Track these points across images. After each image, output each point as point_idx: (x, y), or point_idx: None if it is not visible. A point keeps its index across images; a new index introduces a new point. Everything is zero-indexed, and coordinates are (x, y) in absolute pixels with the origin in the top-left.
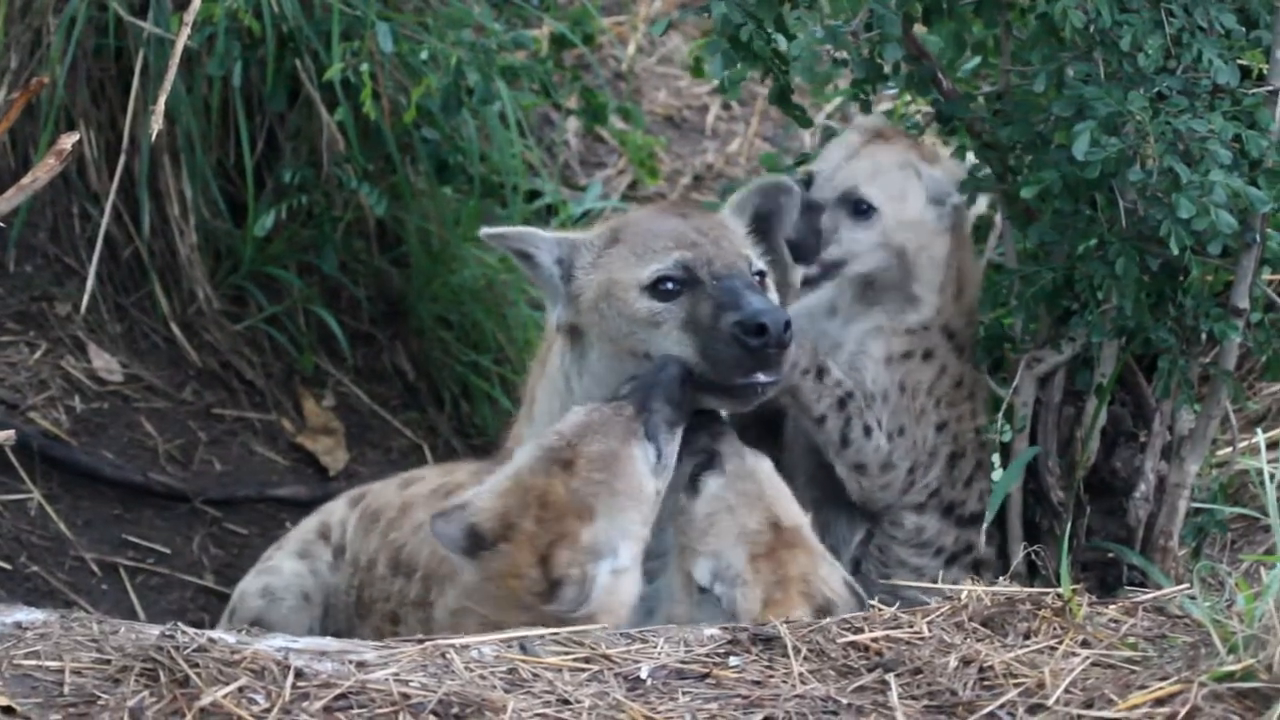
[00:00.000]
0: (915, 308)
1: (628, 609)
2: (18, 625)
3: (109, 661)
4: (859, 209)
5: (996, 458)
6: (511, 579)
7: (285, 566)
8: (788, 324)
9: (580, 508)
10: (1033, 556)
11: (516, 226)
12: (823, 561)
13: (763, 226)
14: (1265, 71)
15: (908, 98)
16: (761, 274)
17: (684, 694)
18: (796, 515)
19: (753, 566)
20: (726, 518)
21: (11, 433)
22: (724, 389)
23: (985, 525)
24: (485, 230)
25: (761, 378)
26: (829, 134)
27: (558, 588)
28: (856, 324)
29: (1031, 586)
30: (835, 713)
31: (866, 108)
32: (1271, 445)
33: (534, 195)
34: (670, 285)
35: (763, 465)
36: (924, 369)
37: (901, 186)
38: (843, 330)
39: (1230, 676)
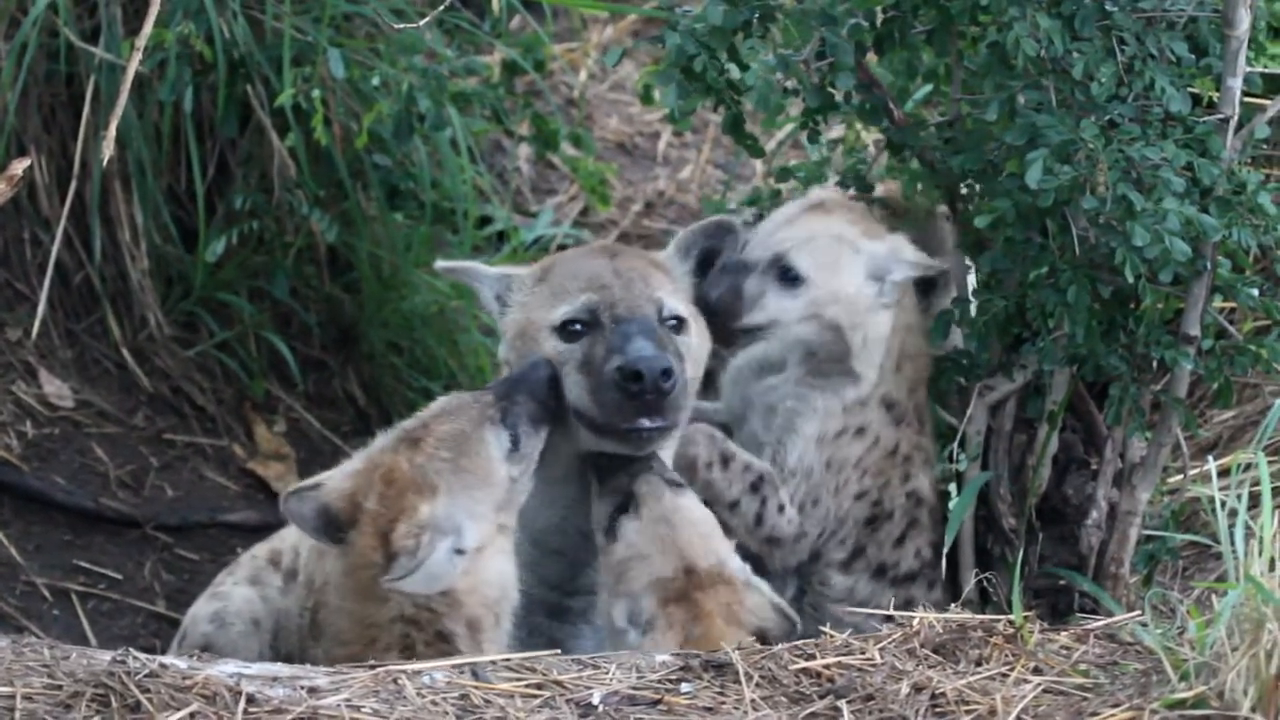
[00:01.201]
0: (855, 384)
1: (502, 596)
2: None
3: (60, 687)
4: (786, 276)
5: (954, 487)
6: (362, 570)
7: (235, 593)
8: (666, 371)
9: (421, 484)
10: (984, 583)
11: (465, 261)
12: (748, 591)
13: (708, 267)
14: (1216, 99)
15: (859, 126)
16: (678, 319)
17: None
18: (716, 552)
19: (665, 612)
20: (639, 564)
21: None
22: (614, 432)
23: (944, 550)
24: (439, 264)
25: (646, 423)
26: (782, 174)
27: (393, 560)
28: (794, 394)
29: (983, 613)
30: None
31: (815, 137)
32: (1223, 473)
33: (485, 221)
34: (576, 327)
35: (683, 502)
36: (854, 445)
37: (835, 258)
38: (779, 394)
39: (1182, 704)
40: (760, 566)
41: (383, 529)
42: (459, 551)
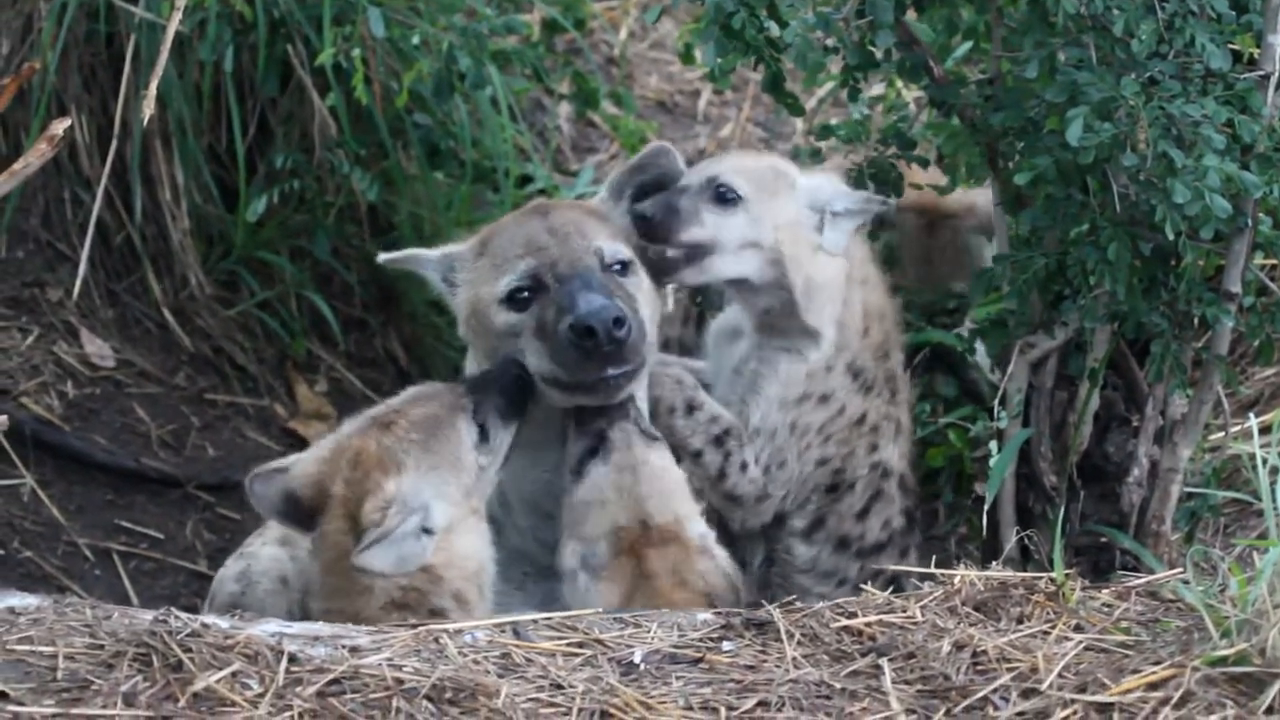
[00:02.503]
0: (815, 343)
1: (480, 569)
2: (11, 610)
3: (102, 647)
4: (722, 196)
5: (994, 444)
6: (338, 563)
7: (263, 552)
8: (619, 320)
9: (388, 462)
10: (1025, 541)
11: (406, 250)
12: (701, 556)
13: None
14: (1256, 56)
15: (899, 84)
16: (623, 263)
17: (677, 679)
18: (677, 509)
19: (616, 562)
20: (599, 510)
21: (4, 418)
22: (581, 386)
23: (986, 508)
24: (380, 257)
25: (611, 371)
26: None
27: (361, 537)
28: (756, 356)
29: (1024, 571)
30: (829, 697)
31: (855, 95)
32: (1264, 430)
33: (526, 180)
34: (523, 295)
35: (652, 456)
36: (818, 411)
37: (772, 184)
38: (745, 359)
39: (1223, 661)
40: (727, 530)
41: (350, 510)
42: (427, 531)
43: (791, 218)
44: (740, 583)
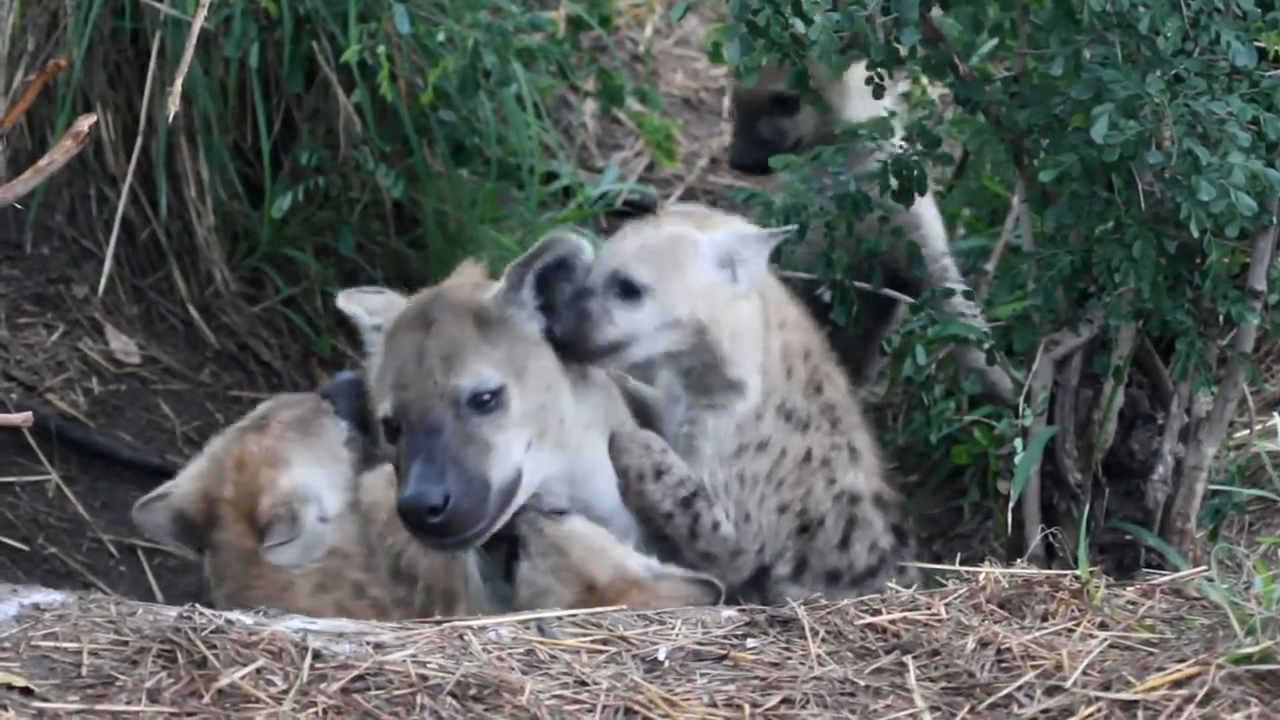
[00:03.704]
0: (741, 394)
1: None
2: (36, 607)
3: (127, 643)
4: (627, 290)
5: (1019, 442)
6: (249, 568)
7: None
8: (433, 509)
9: (274, 459)
10: (1050, 538)
11: (353, 307)
12: (659, 583)
13: (553, 282)
14: None
15: (924, 81)
16: (491, 393)
17: (701, 675)
18: (613, 560)
19: None
20: (545, 598)
21: (29, 415)
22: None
23: (1011, 505)
24: (340, 300)
25: (445, 542)
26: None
27: (268, 531)
28: (689, 416)
29: (1049, 569)
30: (853, 694)
31: (880, 92)
32: None
33: (551, 177)
34: (393, 427)
35: (564, 530)
36: (760, 459)
37: (675, 258)
38: (681, 422)
39: (1248, 659)
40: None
41: (246, 512)
42: (323, 519)
43: (703, 283)
44: (708, 577)
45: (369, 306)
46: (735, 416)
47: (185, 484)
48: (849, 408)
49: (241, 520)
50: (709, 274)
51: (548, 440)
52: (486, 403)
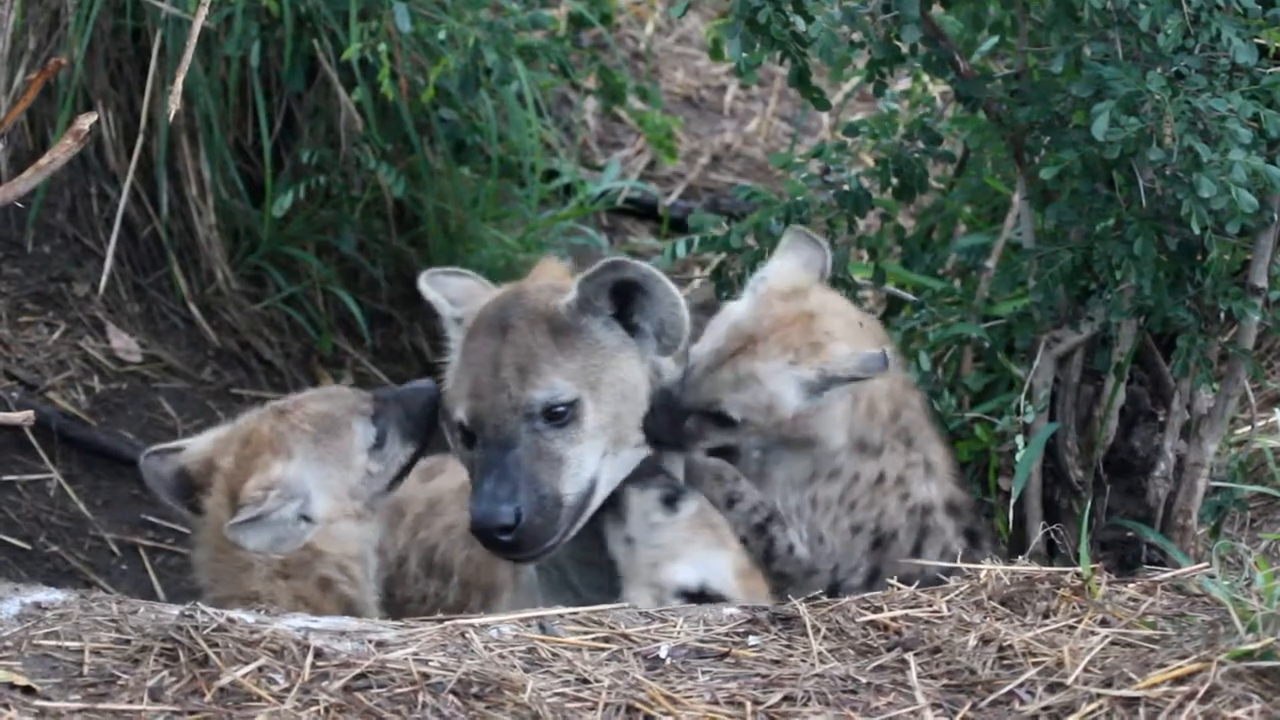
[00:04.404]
0: (825, 447)
1: (361, 554)
2: (37, 605)
3: (128, 641)
4: (722, 420)
5: (1020, 439)
6: (219, 537)
7: None
8: (504, 528)
9: (278, 445)
10: (1052, 535)
11: (434, 294)
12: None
13: (626, 299)
14: None
15: (925, 79)
16: (565, 405)
17: (703, 673)
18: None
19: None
20: (709, 532)
21: (30, 413)
22: None
23: (1012, 502)
24: (424, 282)
25: (514, 557)
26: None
27: (238, 510)
28: (764, 444)
29: (1050, 566)
30: (854, 692)
31: (881, 89)
32: None
33: (552, 175)
34: (469, 434)
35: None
36: (831, 485)
37: (768, 398)
38: (756, 446)
39: (1249, 655)
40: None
41: (233, 486)
42: (306, 519)
43: (794, 412)
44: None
45: (450, 294)
46: (814, 460)
47: (198, 445)
48: (922, 423)
49: (226, 493)
50: (800, 404)
51: (624, 447)
52: (561, 415)
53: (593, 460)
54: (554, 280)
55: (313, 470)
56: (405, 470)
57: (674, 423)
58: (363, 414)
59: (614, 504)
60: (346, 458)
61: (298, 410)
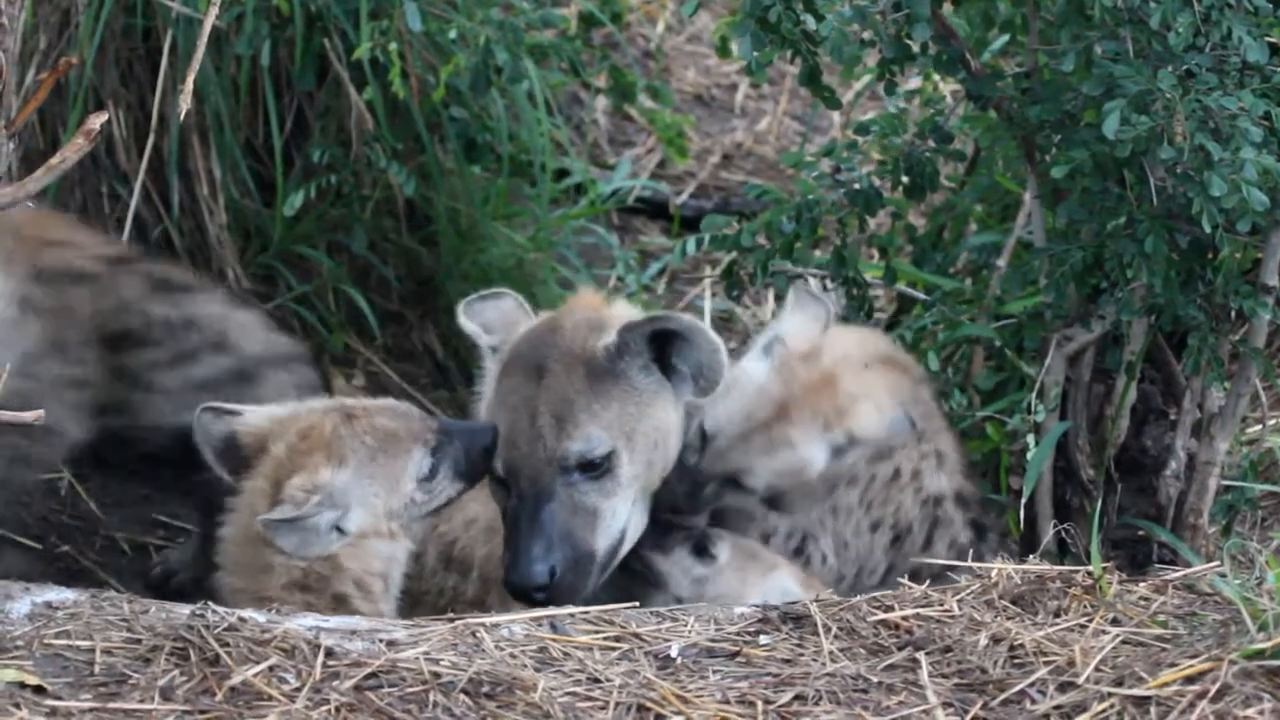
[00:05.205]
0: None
1: (386, 571)
2: (48, 605)
3: (139, 641)
4: (745, 485)
5: (1031, 438)
6: (249, 526)
7: None
8: (540, 587)
9: (334, 451)
10: (1063, 534)
11: (472, 326)
12: None
13: (664, 346)
14: None
15: (936, 77)
16: (602, 458)
17: (714, 672)
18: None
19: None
20: (755, 563)
21: (41, 412)
22: None
23: (1023, 501)
24: (462, 315)
25: (552, 608)
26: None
27: (277, 504)
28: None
29: (1061, 564)
30: (865, 691)
31: (892, 88)
32: None
33: (563, 174)
34: (504, 483)
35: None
36: (850, 491)
37: (801, 463)
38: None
39: (1261, 654)
40: None
41: (279, 476)
42: (340, 530)
43: (818, 470)
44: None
45: (486, 322)
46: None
47: (255, 417)
48: (932, 412)
49: (269, 480)
50: (824, 462)
51: (650, 490)
52: (596, 467)
53: (624, 510)
54: (591, 314)
55: (360, 484)
56: (448, 504)
57: (692, 491)
58: (425, 443)
59: (639, 568)
60: (396, 482)
61: (364, 419)
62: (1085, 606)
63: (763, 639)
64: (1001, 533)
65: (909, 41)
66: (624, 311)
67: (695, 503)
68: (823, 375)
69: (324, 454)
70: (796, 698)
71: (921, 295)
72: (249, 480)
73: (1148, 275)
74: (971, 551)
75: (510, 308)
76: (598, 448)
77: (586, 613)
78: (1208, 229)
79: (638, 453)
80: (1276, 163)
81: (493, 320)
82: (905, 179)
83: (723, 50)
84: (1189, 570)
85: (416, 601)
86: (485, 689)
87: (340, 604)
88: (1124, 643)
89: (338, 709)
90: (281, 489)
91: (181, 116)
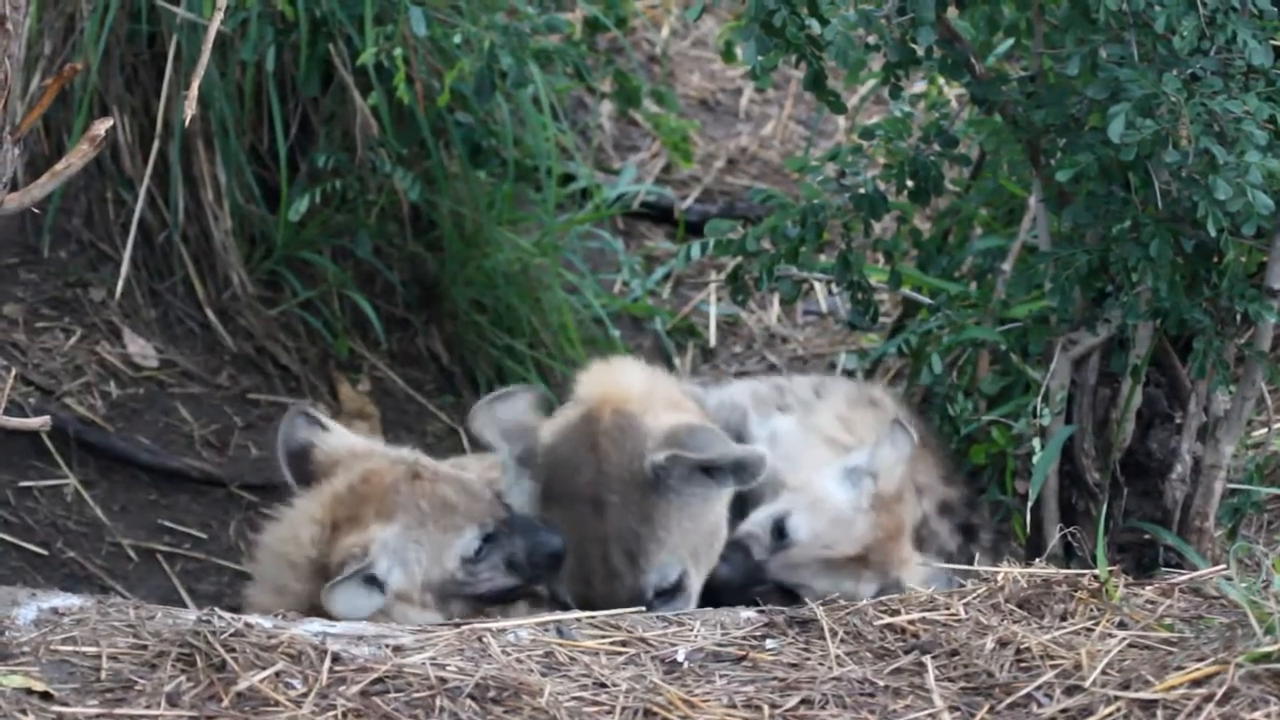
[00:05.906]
0: None
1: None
2: (55, 611)
3: (146, 646)
4: (781, 533)
5: (1037, 441)
6: (290, 544)
7: None
8: None
9: (384, 506)
10: (1069, 538)
11: (490, 434)
12: None
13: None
14: None
15: (941, 81)
16: (673, 586)
17: (720, 677)
18: None
19: None
20: None
21: (47, 419)
22: None
23: (1029, 505)
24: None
25: None
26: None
27: (340, 566)
28: None
29: (1068, 568)
30: (872, 695)
31: (897, 92)
32: None
33: (568, 179)
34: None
35: None
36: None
37: (848, 594)
38: None
39: (1267, 658)
40: None
41: (333, 514)
42: (378, 584)
43: (846, 502)
44: None
45: (504, 429)
46: None
47: (339, 441)
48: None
49: (323, 512)
50: (849, 496)
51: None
52: (669, 591)
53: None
54: (620, 418)
55: (403, 545)
56: (492, 597)
57: (745, 585)
58: (481, 525)
59: None
60: (440, 553)
61: (428, 483)
62: (1091, 610)
63: (769, 643)
64: (997, 527)
65: (914, 45)
66: (646, 391)
67: (743, 597)
68: (898, 526)
69: (374, 506)
70: (803, 702)
71: (926, 299)
72: (303, 499)
73: (1153, 279)
74: (956, 556)
75: (524, 408)
76: (671, 575)
77: (593, 618)
78: (1213, 232)
79: (701, 563)
80: None
81: (508, 423)
82: (910, 183)
83: (728, 55)
84: (1195, 574)
85: None
86: (491, 694)
87: None
88: (1130, 646)
89: (344, 714)
90: (335, 537)
91: (186, 122)
